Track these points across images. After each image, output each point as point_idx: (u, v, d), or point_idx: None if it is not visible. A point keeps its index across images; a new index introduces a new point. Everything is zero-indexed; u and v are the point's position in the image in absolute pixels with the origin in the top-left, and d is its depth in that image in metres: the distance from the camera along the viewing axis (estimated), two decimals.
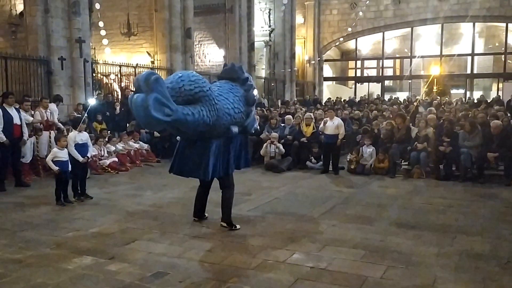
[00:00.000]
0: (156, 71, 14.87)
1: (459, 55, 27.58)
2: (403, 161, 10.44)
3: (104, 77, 15.36)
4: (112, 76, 15.46)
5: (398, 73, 31.82)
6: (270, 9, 24.83)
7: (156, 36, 16.39)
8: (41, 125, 9.57)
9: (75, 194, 7.48)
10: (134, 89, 5.37)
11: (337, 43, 29.56)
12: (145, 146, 11.93)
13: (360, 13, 27.10)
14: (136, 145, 11.60)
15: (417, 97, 23.65)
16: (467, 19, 25.09)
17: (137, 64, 15.29)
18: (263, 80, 23.93)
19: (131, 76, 14.77)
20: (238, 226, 5.88)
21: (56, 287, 4.15)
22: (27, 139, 8.94)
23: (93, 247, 5.18)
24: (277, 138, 10.90)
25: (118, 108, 12.87)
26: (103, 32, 15.03)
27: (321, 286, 4.16)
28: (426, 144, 9.75)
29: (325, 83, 31.46)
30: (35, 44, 11.47)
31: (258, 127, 8.06)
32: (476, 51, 27.69)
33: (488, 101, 20.73)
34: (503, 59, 27.32)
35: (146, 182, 9.26)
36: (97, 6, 14.00)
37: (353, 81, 31.62)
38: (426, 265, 4.64)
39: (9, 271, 4.48)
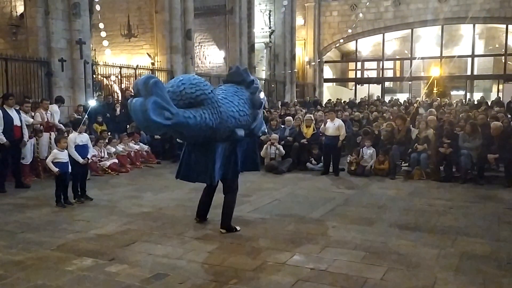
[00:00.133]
0: (156, 73, 15.08)
1: (459, 56, 27.57)
2: (403, 162, 10.45)
3: (105, 79, 15.37)
4: (113, 78, 15.48)
5: (398, 74, 31.85)
6: (270, 11, 24.87)
7: (156, 38, 16.40)
8: (41, 126, 9.57)
9: (75, 196, 7.48)
10: (132, 94, 5.35)
11: (337, 45, 29.57)
12: (146, 147, 11.94)
13: (360, 15, 27.13)
14: (137, 147, 11.61)
15: (417, 99, 23.68)
16: (467, 21, 25.08)
17: (137, 66, 15.29)
18: (263, 81, 23.94)
19: (132, 78, 14.77)
20: (238, 228, 5.88)
21: None
22: (27, 141, 8.94)
23: (93, 249, 5.18)
24: (277, 139, 10.90)
25: (118, 109, 12.86)
26: (103, 34, 15.02)
27: (322, 287, 4.16)
28: (426, 146, 9.75)
29: (325, 85, 31.48)
30: (36, 45, 11.47)
31: (266, 130, 8.03)
32: (476, 53, 27.71)
33: (488, 103, 20.73)
34: (503, 61, 27.34)
35: (146, 183, 9.26)
36: (98, 7, 14.01)
37: (353, 83, 31.62)
38: (426, 267, 4.64)
39: (9, 272, 4.48)
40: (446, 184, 9.10)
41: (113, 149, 10.81)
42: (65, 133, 9.19)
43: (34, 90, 11.24)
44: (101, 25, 14.79)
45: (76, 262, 4.75)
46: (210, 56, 21.42)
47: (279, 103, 22.07)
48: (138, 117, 4.72)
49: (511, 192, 8.37)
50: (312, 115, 12.52)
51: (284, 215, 6.73)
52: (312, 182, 9.51)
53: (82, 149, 7.46)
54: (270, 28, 24.92)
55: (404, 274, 4.45)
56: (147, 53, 16.98)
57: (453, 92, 30.39)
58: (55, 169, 7.08)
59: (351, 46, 30.66)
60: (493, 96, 26.35)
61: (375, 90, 29.67)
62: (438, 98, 23.36)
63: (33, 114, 9.60)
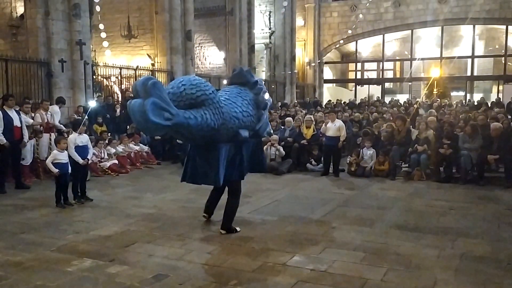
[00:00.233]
0: (156, 74, 15.09)
1: (459, 57, 27.61)
2: (403, 163, 10.43)
3: (105, 80, 15.38)
4: (113, 78, 15.48)
5: (398, 75, 31.89)
6: (270, 12, 24.90)
7: (156, 39, 16.42)
8: (41, 127, 9.57)
9: (75, 196, 7.48)
10: (132, 95, 5.34)
11: (337, 46, 29.61)
12: (146, 148, 11.94)
13: (360, 16, 27.18)
14: (137, 147, 11.61)
15: (417, 99, 23.69)
16: (467, 21, 25.13)
17: (137, 67, 15.31)
18: (263, 82, 23.93)
19: (132, 79, 14.78)
20: (238, 229, 5.87)
21: None
22: (27, 141, 8.93)
23: (93, 250, 5.18)
24: (277, 140, 10.89)
25: (118, 110, 12.88)
26: (103, 35, 15.04)
27: None
28: (426, 146, 9.75)
29: (325, 85, 31.51)
30: (36, 46, 11.49)
31: (272, 131, 8.01)
32: (476, 53, 27.74)
33: (488, 104, 20.74)
34: (503, 61, 27.37)
35: (147, 184, 9.25)
36: (98, 8, 14.03)
37: (353, 84, 31.66)
38: (426, 268, 4.64)
39: (9, 273, 4.48)
40: (446, 185, 9.09)
41: (113, 150, 10.81)
42: (65, 133, 9.20)
43: (34, 91, 11.26)
44: (101, 26, 14.82)
45: (76, 263, 4.74)
46: (210, 57, 21.44)
47: (279, 103, 22.08)
48: (137, 118, 4.70)
49: (511, 193, 8.37)
50: (312, 116, 12.53)
51: (284, 216, 6.72)
52: (312, 183, 9.51)
53: (82, 150, 7.46)
54: (270, 29, 24.96)
55: (404, 275, 4.44)
56: (147, 54, 17.00)
57: (453, 93, 30.41)
58: (55, 170, 7.08)
59: (351, 47, 30.69)
60: (493, 97, 26.37)
61: (375, 91, 29.70)
62: (438, 99, 23.37)
63: (33, 115, 9.60)
